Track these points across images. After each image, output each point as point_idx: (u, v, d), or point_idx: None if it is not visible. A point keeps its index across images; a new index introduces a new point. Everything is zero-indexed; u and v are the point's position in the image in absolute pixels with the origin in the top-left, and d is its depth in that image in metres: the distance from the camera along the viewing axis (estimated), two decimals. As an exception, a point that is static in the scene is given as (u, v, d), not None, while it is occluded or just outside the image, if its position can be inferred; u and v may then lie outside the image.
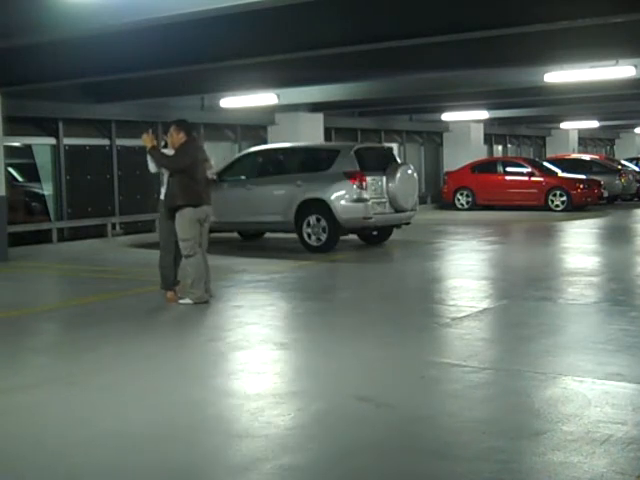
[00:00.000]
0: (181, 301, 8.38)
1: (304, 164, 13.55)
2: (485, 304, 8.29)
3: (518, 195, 21.60)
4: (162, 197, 8.44)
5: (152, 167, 8.44)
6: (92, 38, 9.22)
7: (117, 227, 15.76)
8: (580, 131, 30.32)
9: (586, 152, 30.86)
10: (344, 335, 7.04)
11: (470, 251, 13.07)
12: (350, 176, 12.57)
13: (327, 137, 19.95)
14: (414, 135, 24.21)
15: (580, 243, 14.24)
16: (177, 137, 8.32)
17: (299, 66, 11.33)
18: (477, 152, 24.26)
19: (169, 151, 8.36)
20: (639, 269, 11.47)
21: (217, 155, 17.52)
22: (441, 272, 11.39)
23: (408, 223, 13.73)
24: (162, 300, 8.52)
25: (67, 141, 15.10)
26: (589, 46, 10.22)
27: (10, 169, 13.99)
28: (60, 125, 14.95)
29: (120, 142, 16.05)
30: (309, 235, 12.75)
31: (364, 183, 12.54)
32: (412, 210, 13.51)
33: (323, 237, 12.68)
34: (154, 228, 16.21)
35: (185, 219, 8.18)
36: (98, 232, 15.31)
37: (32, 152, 14.99)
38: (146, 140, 8.26)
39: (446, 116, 21.42)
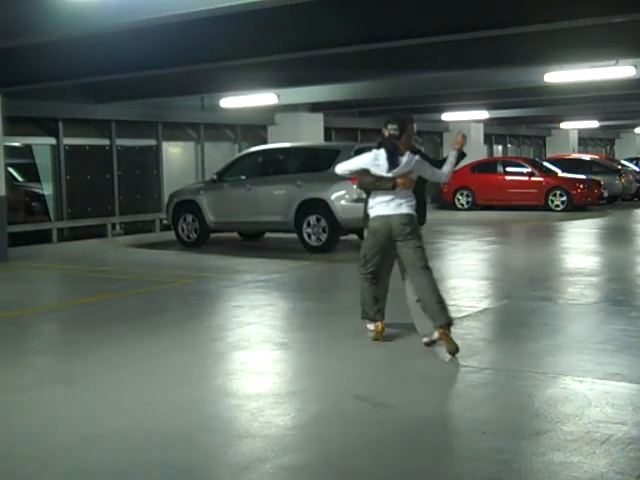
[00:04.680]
0: (428, 339, 6.34)
1: (304, 164, 13.53)
2: (485, 304, 8.29)
3: (518, 195, 21.60)
4: (412, 211, 6.59)
5: (448, 176, 7.05)
6: (92, 38, 9.23)
7: (117, 227, 15.77)
8: (580, 131, 30.31)
9: (586, 152, 30.85)
10: (344, 335, 7.03)
11: (470, 251, 13.07)
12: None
13: (327, 137, 19.93)
14: (414, 135, 24.14)
15: (580, 243, 14.23)
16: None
17: (299, 66, 11.33)
18: (477, 152, 24.23)
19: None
20: (639, 269, 11.47)
21: (217, 155, 17.62)
22: (441, 272, 11.33)
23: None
24: (161, 300, 8.47)
25: (67, 141, 15.10)
26: (589, 46, 10.22)
27: (10, 169, 13.99)
28: (60, 125, 14.95)
29: (120, 142, 16.05)
30: (309, 235, 12.74)
31: (364, 183, 12.51)
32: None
33: (323, 237, 12.67)
34: (154, 228, 16.27)
35: None
36: (98, 232, 15.33)
37: (32, 152, 15.00)
38: (461, 142, 6.86)
39: (446, 116, 21.41)
